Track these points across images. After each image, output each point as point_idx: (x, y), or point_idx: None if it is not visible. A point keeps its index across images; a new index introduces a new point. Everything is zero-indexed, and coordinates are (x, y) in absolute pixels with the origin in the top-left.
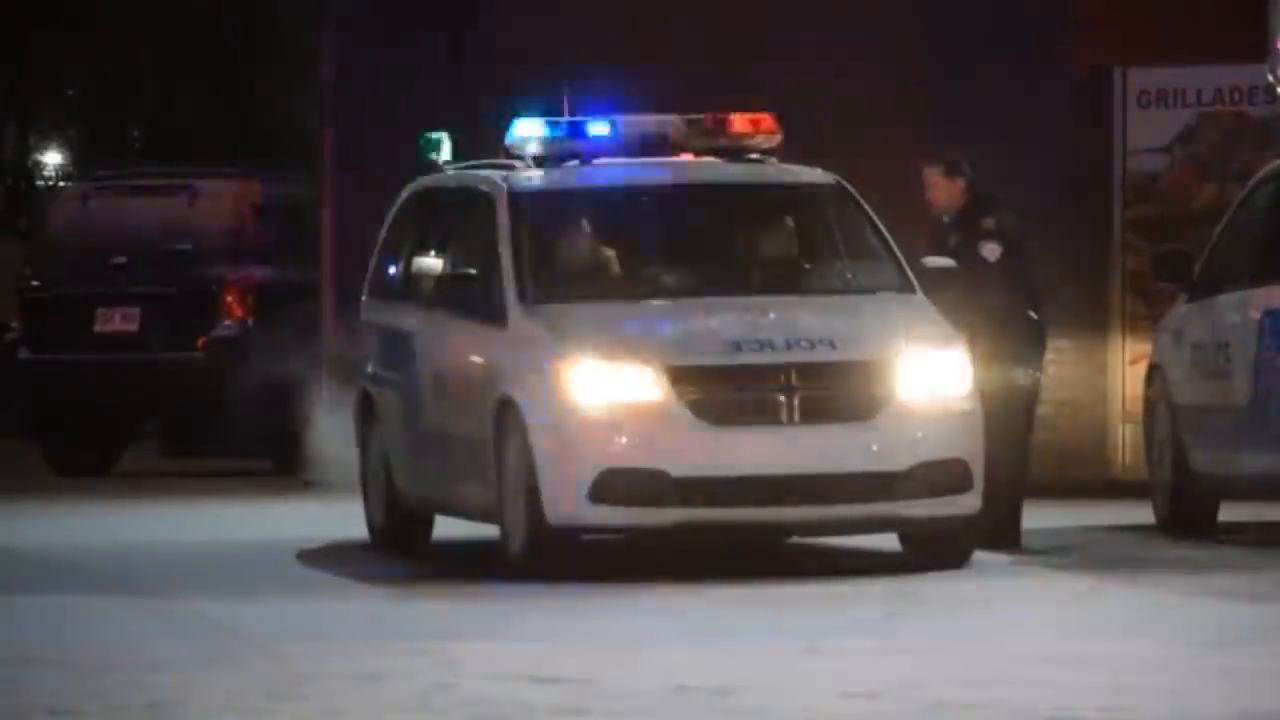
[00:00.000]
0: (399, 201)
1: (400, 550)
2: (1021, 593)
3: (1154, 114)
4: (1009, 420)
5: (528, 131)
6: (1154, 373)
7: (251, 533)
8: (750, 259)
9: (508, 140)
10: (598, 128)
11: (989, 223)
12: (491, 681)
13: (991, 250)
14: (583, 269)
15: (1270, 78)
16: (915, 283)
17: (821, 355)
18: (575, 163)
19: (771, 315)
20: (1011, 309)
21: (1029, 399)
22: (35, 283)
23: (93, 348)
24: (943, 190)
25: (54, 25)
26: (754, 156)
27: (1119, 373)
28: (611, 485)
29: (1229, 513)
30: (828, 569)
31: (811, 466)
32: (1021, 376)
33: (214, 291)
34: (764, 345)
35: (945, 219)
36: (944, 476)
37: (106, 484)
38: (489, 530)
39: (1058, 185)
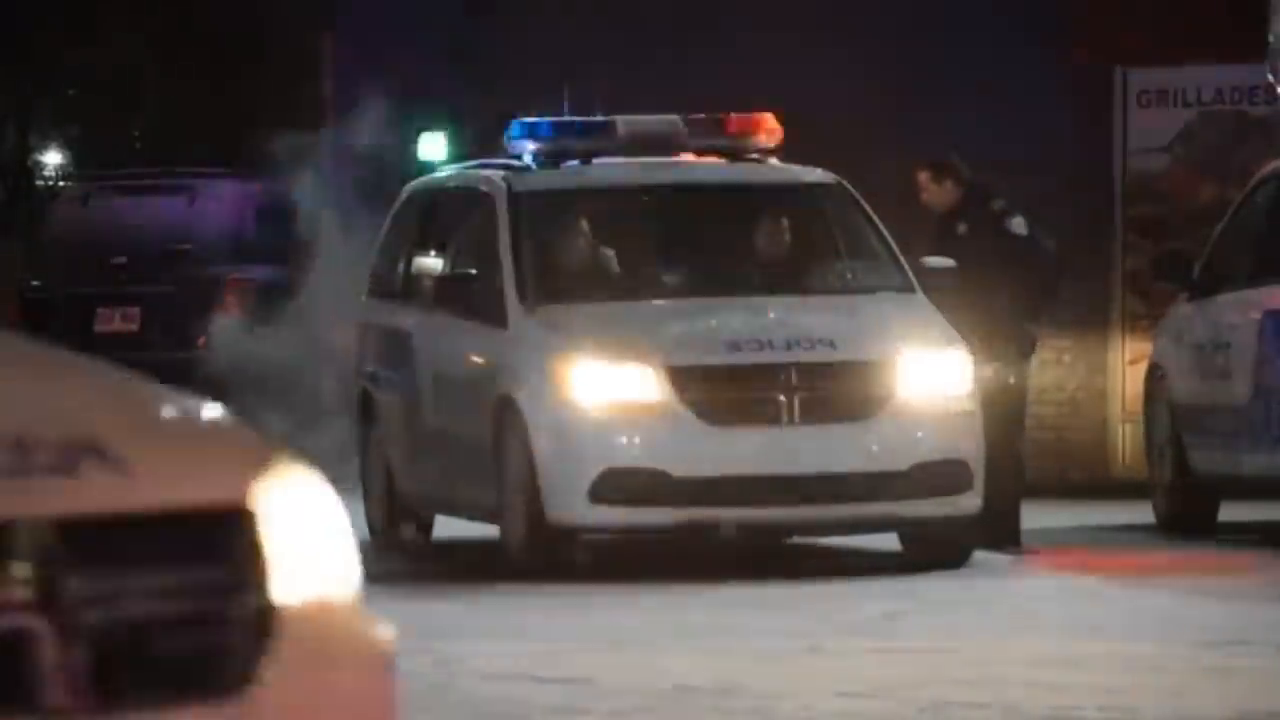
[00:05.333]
0: (399, 201)
1: (400, 550)
2: (1021, 593)
3: (1154, 114)
4: (1003, 420)
5: (524, 133)
6: (1154, 373)
7: None
8: (750, 259)
9: (509, 140)
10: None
11: (999, 203)
12: (491, 681)
13: (1019, 223)
14: (583, 269)
15: (1270, 77)
16: (915, 283)
17: (821, 355)
18: (575, 163)
19: (771, 315)
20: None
21: (1020, 398)
22: (35, 283)
23: (93, 348)
24: (932, 191)
25: (54, 25)
26: (754, 156)
27: (1119, 373)
28: (612, 485)
29: (1229, 513)
30: (828, 569)
31: (811, 466)
32: (1010, 375)
33: (214, 291)
34: (764, 345)
35: (944, 212)
36: (944, 476)
37: None
38: (489, 530)
39: (1058, 185)
